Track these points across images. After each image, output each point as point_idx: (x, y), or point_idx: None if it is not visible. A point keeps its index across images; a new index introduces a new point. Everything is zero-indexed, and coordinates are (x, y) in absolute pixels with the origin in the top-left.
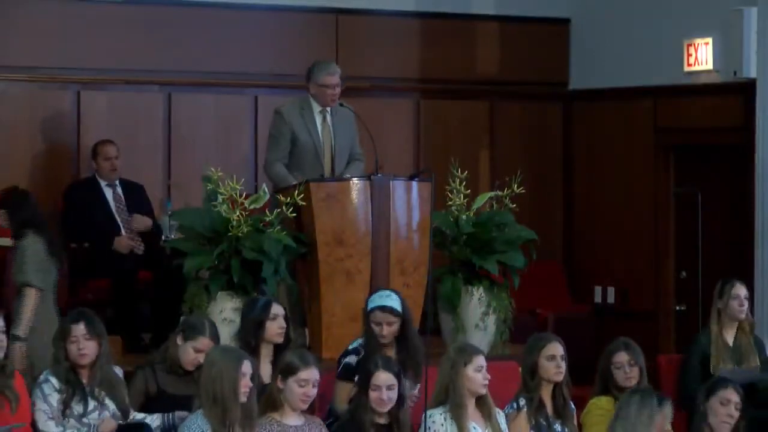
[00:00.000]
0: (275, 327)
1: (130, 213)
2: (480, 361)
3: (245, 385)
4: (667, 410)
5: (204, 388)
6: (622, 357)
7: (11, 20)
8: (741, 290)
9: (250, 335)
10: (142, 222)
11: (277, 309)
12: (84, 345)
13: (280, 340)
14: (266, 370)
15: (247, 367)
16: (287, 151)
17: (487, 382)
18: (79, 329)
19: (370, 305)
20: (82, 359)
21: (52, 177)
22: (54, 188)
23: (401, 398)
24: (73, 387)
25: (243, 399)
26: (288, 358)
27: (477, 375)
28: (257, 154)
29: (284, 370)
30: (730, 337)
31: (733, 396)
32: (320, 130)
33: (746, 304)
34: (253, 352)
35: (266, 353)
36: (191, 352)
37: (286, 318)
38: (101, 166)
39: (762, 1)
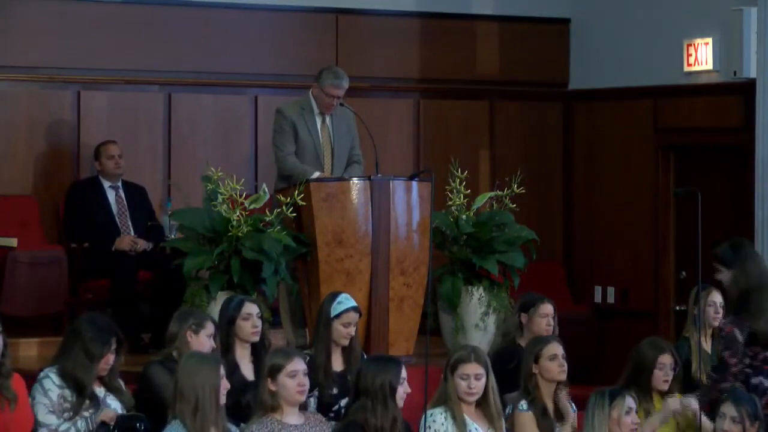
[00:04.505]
0: (248, 326)
1: (132, 214)
2: (466, 369)
3: (223, 386)
4: (621, 404)
5: (185, 397)
6: (666, 359)
7: (11, 20)
8: (716, 297)
9: (225, 334)
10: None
11: (250, 308)
12: (109, 359)
13: (254, 339)
14: (247, 369)
15: (222, 369)
16: (294, 146)
17: (473, 390)
18: (112, 346)
19: (341, 309)
20: (104, 372)
21: (52, 177)
22: (54, 188)
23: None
24: (77, 387)
25: (223, 401)
26: (270, 359)
27: (461, 383)
28: (257, 154)
29: (271, 370)
30: (708, 346)
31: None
32: (320, 131)
33: (721, 311)
34: (230, 351)
35: (243, 353)
36: (206, 340)
37: (261, 317)
38: (105, 164)
39: (762, 1)
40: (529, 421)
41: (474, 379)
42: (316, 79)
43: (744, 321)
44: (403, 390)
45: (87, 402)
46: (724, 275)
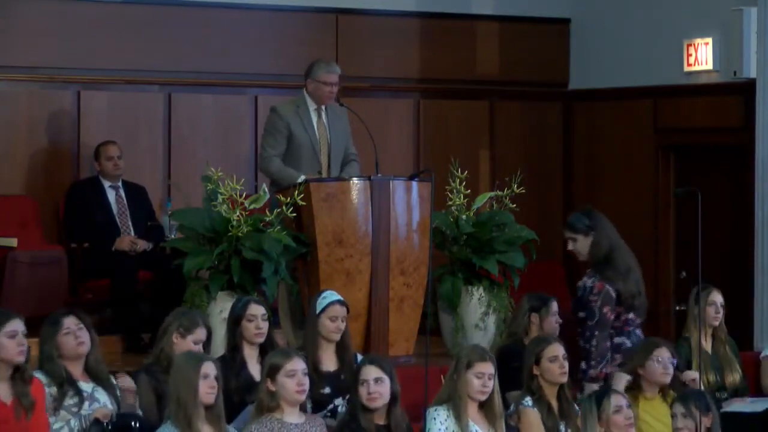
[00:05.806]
0: (252, 327)
1: (132, 214)
2: (482, 367)
3: (208, 385)
4: (608, 404)
5: (170, 395)
6: (663, 352)
7: (11, 20)
8: (717, 297)
9: (231, 333)
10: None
11: (255, 310)
12: (80, 334)
13: (258, 340)
14: (254, 369)
15: (208, 368)
16: (284, 147)
17: (486, 389)
18: (71, 321)
19: (325, 303)
20: (81, 348)
21: (52, 177)
22: (54, 188)
23: (394, 397)
24: (65, 382)
25: (208, 400)
26: (270, 359)
27: (475, 380)
28: (257, 154)
29: (270, 370)
30: (708, 346)
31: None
32: (316, 128)
33: (722, 311)
34: (237, 350)
35: (251, 353)
36: (192, 347)
37: (268, 319)
38: (104, 166)
39: (762, 1)
40: (535, 416)
41: (488, 378)
42: (308, 75)
43: (611, 281)
44: (374, 390)
45: (74, 395)
46: (581, 243)
